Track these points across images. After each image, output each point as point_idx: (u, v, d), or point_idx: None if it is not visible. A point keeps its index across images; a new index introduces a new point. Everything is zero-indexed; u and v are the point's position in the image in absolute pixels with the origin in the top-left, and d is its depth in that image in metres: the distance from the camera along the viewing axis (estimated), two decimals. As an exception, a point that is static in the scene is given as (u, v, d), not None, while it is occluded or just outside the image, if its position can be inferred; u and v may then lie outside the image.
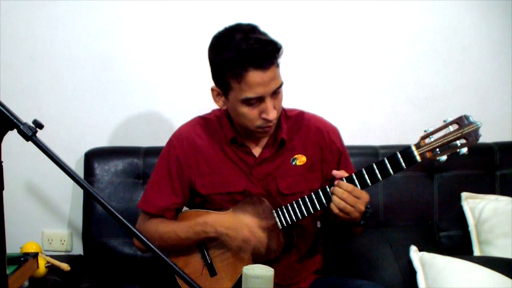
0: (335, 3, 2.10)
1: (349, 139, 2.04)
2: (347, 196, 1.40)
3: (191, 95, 2.08)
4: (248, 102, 1.43)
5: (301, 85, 2.13)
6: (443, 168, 2.07)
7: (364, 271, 1.82)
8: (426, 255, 1.76)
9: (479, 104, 2.18)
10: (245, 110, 1.45)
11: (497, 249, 1.88)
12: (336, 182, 1.43)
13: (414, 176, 2.05)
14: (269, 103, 1.43)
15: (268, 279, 1.30)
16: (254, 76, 1.39)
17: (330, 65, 2.15)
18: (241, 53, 1.38)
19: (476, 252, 1.94)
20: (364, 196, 1.43)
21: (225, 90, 1.47)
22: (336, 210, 1.41)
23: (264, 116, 1.44)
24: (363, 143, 2.11)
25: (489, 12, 2.16)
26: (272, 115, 1.44)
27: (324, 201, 1.46)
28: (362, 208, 1.43)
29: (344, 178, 1.44)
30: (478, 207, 1.98)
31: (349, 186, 1.41)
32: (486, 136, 2.14)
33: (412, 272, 1.76)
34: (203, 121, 1.64)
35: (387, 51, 2.15)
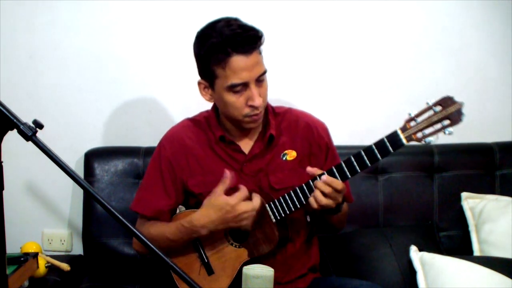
0: (336, 3, 2.10)
1: (349, 139, 2.04)
2: (330, 191, 1.40)
3: (191, 95, 2.07)
4: (233, 89, 1.45)
5: (301, 85, 2.13)
6: (443, 168, 2.07)
7: (364, 271, 1.82)
8: (426, 255, 1.76)
9: (479, 104, 2.18)
10: (231, 98, 1.47)
11: (497, 249, 1.87)
12: (324, 179, 1.41)
13: (414, 176, 2.05)
14: (254, 89, 1.45)
15: (268, 279, 1.31)
16: (238, 61, 1.42)
17: (330, 66, 2.15)
18: (223, 38, 1.42)
19: (476, 252, 1.94)
20: (344, 189, 1.44)
21: (211, 81, 1.50)
22: (315, 206, 1.42)
23: (250, 103, 1.46)
24: (363, 143, 2.09)
25: (489, 12, 2.16)
26: (258, 101, 1.46)
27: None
28: (340, 200, 1.45)
29: (334, 168, 1.43)
30: (478, 207, 1.98)
31: (339, 185, 1.41)
32: (486, 136, 2.16)
33: (412, 272, 1.76)
34: (191, 122, 1.67)
35: (387, 51, 2.15)
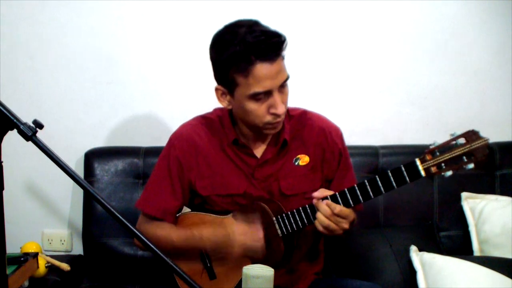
0: (336, 3, 2.10)
1: (349, 139, 2.04)
2: (332, 217, 1.38)
3: (191, 95, 2.09)
4: (256, 97, 1.40)
5: (302, 85, 2.12)
6: (443, 168, 2.07)
7: (364, 271, 1.82)
8: (426, 255, 1.76)
9: (479, 104, 2.18)
10: (253, 106, 1.42)
11: (497, 249, 1.88)
12: (325, 202, 1.39)
13: (414, 176, 2.05)
14: (277, 97, 1.41)
15: (268, 279, 1.30)
16: (262, 69, 1.36)
17: (330, 65, 2.15)
18: (247, 46, 1.35)
19: (476, 252, 1.94)
20: (351, 216, 1.41)
21: (231, 88, 1.44)
22: (320, 228, 1.40)
23: (273, 111, 1.42)
24: (363, 143, 2.11)
25: (489, 12, 2.16)
26: (281, 109, 1.41)
27: None
28: (347, 227, 1.40)
29: (346, 190, 1.40)
30: (478, 207, 1.98)
31: (336, 208, 1.38)
32: (486, 136, 2.15)
33: (412, 272, 1.76)
34: (204, 121, 1.62)
35: (387, 51, 2.15)
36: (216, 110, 1.63)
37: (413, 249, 1.81)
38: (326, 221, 1.38)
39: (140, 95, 2.12)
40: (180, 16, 2.06)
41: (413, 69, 2.18)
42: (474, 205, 2.00)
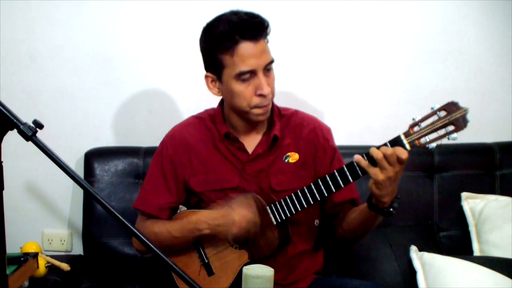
0: (336, 3, 2.10)
1: (349, 139, 2.05)
2: (391, 154, 1.31)
3: (191, 95, 2.08)
4: (241, 77, 1.45)
5: (302, 85, 2.13)
6: (443, 168, 2.07)
7: (364, 271, 1.82)
8: (426, 255, 1.76)
9: (479, 104, 2.18)
10: (240, 88, 1.46)
11: (497, 249, 1.87)
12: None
13: (414, 176, 2.05)
14: (262, 78, 1.46)
15: (268, 279, 1.31)
16: (246, 47, 1.43)
17: (330, 65, 2.15)
18: (232, 25, 1.43)
19: (476, 252, 1.94)
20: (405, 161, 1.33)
21: (219, 72, 1.49)
22: (380, 176, 1.32)
23: (259, 92, 1.46)
24: (363, 143, 2.10)
25: (489, 12, 2.16)
26: (267, 90, 1.46)
27: (316, 193, 1.44)
28: (399, 175, 1.34)
29: (345, 166, 1.40)
30: (478, 207, 1.98)
31: (389, 149, 1.31)
32: (486, 136, 2.16)
33: (412, 272, 1.76)
34: (196, 120, 1.67)
35: (387, 51, 2.15)
36: (207, 110, 1.69)
37: (413, 249, 1.81)
38: (387, 166, 1.31)
39: (140, 95, 2.12)
40: (180, 16, 2.06)
41: (413, 69, 2.17)
42: (474, 205, 2.00)
